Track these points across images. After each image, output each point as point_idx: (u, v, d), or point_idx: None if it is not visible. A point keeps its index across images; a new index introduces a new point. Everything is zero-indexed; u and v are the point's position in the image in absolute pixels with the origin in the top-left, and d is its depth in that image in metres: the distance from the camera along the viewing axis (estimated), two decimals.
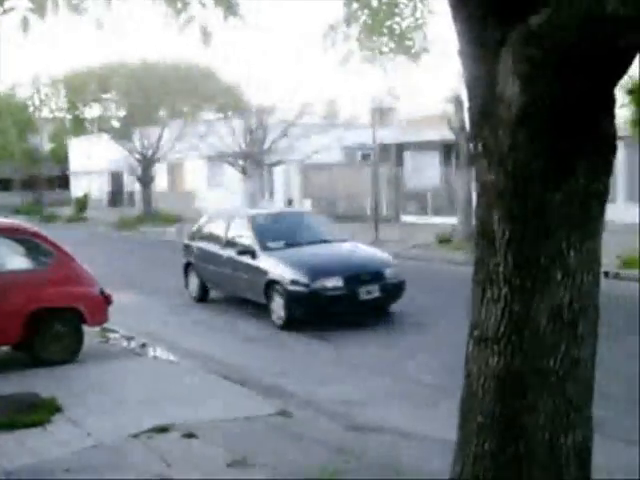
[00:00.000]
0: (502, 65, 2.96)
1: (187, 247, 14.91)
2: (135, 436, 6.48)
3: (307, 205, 32.10)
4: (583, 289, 3.07)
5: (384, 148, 30.51)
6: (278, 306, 11.54)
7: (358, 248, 13.17)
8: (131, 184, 43.85)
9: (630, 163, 23.17)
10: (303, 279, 11.31)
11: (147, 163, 36.47)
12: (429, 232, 22.19)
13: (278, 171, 33.93)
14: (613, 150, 3.07)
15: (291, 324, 11.29)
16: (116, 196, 48.77)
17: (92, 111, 37.67)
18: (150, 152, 36.07)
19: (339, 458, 5.94)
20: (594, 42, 2.74)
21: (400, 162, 31.25)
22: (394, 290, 11.89)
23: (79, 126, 38.10)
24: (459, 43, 3.26)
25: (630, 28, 2.74)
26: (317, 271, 11.47)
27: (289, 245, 12.51)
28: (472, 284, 3.25)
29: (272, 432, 6.71)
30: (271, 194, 34.65)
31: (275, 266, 11.80)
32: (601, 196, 3.07)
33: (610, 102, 3.04)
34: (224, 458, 5.97)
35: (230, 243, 13.19)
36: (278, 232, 12.94)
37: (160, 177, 40.60)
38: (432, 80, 26.52)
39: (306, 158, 29.84)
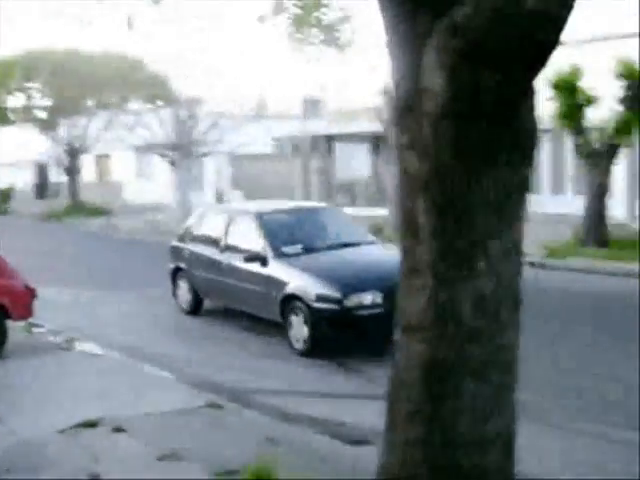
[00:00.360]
0: (427, 57, 3.00)
1: (175, 249, 12.45)
2: (61, 432, 6.37)
3: (237, 197, 31.95)
4: (506, 278, 3.14)
5: (314, 140, 30.61)
6: (299, 327, 9.30)
7: (392, 252, 11.07)
8: (57, 175, 42.94)
9: (555, 155, 23.71)
10: (333, 294, 9.10)
11: (74, 154, 35.75)
12: (359, 223, 22.29)
13: (208, 162, 33.69)
14: (534, 142, 3.14)
15: (316, 350, 9.15)
16: (42, 188, 47.67)
17: (16, 100, 36.72)
18: (77, 143, 35.36)
19: None
20: (514, 36, 2.80)
21: (330, 154, 31.34)
22: None
23: (2, 116, 37.09)
24: (386, 35, 3.29)
25: (547, 23, 2.81)
26: (350, 284, 9.22)
27: (308, 250, 10.29)
28: (399, 274, 3.30)
29: (203, 425, 6.68)
30: (201, 185, 34.37)
31: (294, 277, 9.58)
32: (522, 186, 3.14)
33: (530, 95, 3.11)
34: (154, 452, 5.91)
35: (231, 247, 10.93)
36: (293, 233, 10.70)
37: (87, 168, 39.92)
38: (364, 72, 26.70)
39: (236, 149, 29.70)
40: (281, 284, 9.67)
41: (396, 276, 9.11)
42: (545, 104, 16.40)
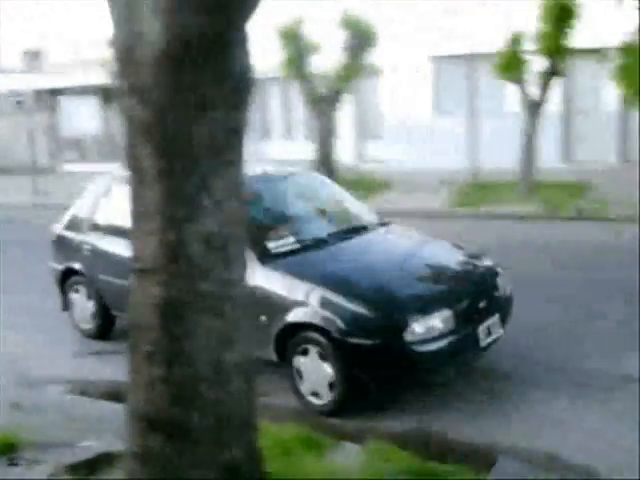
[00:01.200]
0: (145, 1, 3.02)
1: (63, 243, 8.45)
2: None
3: None
4: (231, 215, 3.31)
5: (38, 95, 29.05)
6: (316, 373, 5.86)
7: (431, 240, 7.40)
8: None
9: (284, 102, 24.43)
10: (384, 322, 5.69)
11: None
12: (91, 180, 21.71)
13: None
14: (249, 86, 3.29)
15: (348, 406, 5.80)
16: None
17: None
18: None
19: None
20: None
21: (56, 109, 29.97)
22: (508, 313, 6.63)
23: None
24: None
25: None
26: (407, 302, 5.88)
27: (305, 244, 6.59)
28: (130, 219, 3.35)
29: None
30: None
31: (300, 292, 5.93)
32: (240, 129, 3.30)
33: (245, 40, 3.24)
34: None
35: None
36: (275, 217, 7.01)
37: None
38: (89, 22, 25.60)
39: None
40: (279, 304, 6.00)
41: (464, 281, 6.45)
42: (274, 52, 16.93)
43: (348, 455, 4.96)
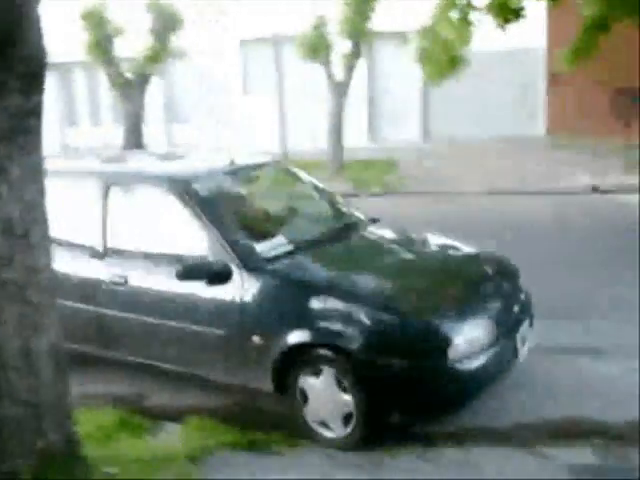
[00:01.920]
0: None
1: None
2: None
3: None
4: (31, 201, 3.28)
5: None
6: (329, 403, 4.68)
7: (432, 237, 6.20)
8: None
9: (90, 87, 23.71)
10: (420, 336, 4.50)
11: None
12: None
13: None
14: (43, 69, 3.26)
15: (369, 439, 4.63)
16: None
17: None
18: None
19: None
20: None
21: None
22: (533, 317, 5.57)
23: None
24: None
25: None
26: (442, 309, 4.72)
27: (301, 245, 5.30)
28: None
29: None
30: None
31: (309, 305, 4.68)
32: (36, 112, 3.27)
33: (37, 22, 3.21)
34: None
35: (124, 250, 5.42)
36: (258, 216, 5.97)
37: None
38: None
39: None
40: (277, 321, 4.81)
41: (495, 284, 5.29)
42: (77, 36, 16.39)
43: (168, 434, 5.02)
